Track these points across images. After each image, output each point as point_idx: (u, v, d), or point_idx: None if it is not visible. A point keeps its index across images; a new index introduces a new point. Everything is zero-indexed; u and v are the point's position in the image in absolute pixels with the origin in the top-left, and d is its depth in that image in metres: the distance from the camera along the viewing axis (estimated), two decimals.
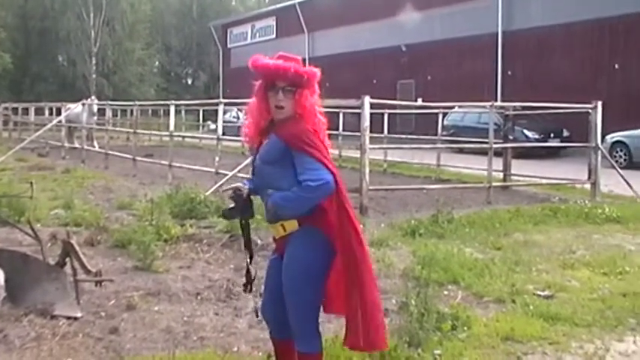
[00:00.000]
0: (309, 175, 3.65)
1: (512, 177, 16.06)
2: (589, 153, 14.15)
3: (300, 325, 3.85)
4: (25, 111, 31.94)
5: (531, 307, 6.22)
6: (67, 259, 6.21)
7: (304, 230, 3.79)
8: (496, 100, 26.58)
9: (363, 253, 3.81)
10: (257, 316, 4.29)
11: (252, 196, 3.98)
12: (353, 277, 3.79)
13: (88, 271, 6.06)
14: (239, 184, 4.04)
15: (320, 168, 3.68)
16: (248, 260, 4.07)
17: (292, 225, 3.80)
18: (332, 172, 3.72)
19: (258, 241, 8.17)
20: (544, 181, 15.63)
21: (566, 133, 24.85)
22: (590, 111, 14.05)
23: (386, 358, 4.94)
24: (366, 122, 11.64)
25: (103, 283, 6.27)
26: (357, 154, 11.84)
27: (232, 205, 3.98)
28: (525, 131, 24.23)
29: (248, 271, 4.07)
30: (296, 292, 3.81)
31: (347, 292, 3.82)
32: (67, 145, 24.35)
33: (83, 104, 25.89)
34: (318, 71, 3.80)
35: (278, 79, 3.75)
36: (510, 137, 16.37)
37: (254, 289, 4.16)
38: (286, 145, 3.71)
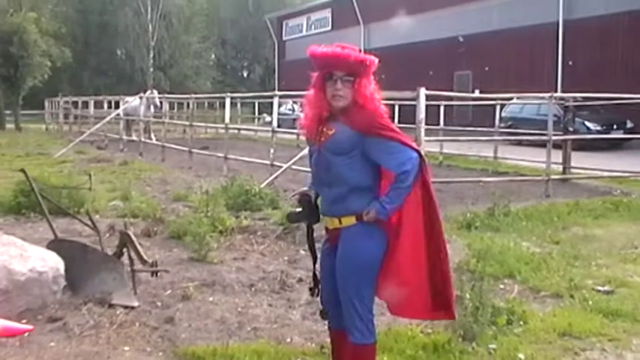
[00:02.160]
0: (399, 159, 3.66)
1: (572, 170, 15.75)
2: None
3: (354, 317, 3.83)
4: (85, 104, 32.51)
5: (590, 303, 6.09)
6: (125, 250, 6.32)
7: (361, 225, 3.76)
8: (556, 91, 26.09)
9: (441, 227, 3.92)
10: (323, 318, 4.25)
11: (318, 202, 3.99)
12: (437, 249, 3.88)
13: (144, 262, 6.15)
14: (305, 189, 4.06)
15: (403, 149, 3.68)
16: (314, 263, 4.10)
17: (349, 220, 3.79)
18: (414, 148, 3.72)
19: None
20: (605, 173, 15.27)
21: (629, 125, 24.23)
22: None
23: (440, 351, 4.91)
24: (421, 114, 11.52)
25: (159, 274, 6.36)
26: None
27: (299, 209, 4.00)
28: (586, 123, 23.67)
29: (315, 276, 4.10)
30: (351, 287, 3.80)
31: (430, 265, 3.85)
32: (125, 137, 24.74)
33: (141, 97, 26.25)
34: (375, 59, 3.76)
35: (336, 69, 3.71)
36: (570, 129, 16.02)
37: (319, 292, 4.15)
38: (360, 134, 3.68)
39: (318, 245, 4.11)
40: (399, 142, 3.68)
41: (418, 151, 3.73)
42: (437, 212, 3.86)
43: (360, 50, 3.79)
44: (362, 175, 3.74)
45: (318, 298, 4.15)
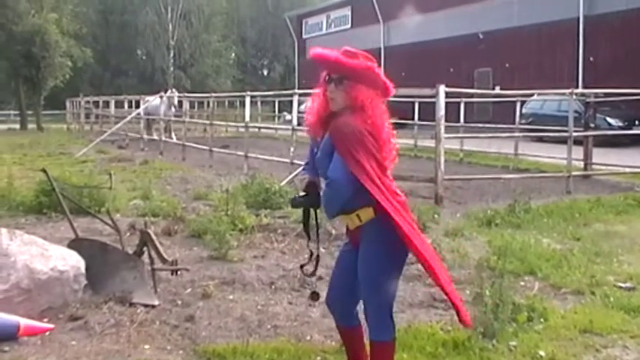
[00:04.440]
0: (328, 172, 3.68)
1: (594, 166, 15.63)
2: None
3: (375, 314, 3.84)
4: (106, 104, 32.75)
5: (612, 299, 6.05)
6: (145, 249, 6.34)
7: (380, 220, 3.72)
8: (577, 88, 25.91)
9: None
10: (315, 299, 4.30)
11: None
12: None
13: (164, 261, 6.17)
14: (309, 177, 4.05)
15: (336, 168, 3.63)
16: (309, 243, 4.12)
17: (368, 213, 3.76)
18: (351, 179, 3.62)
19: (333, 231, 8.20)
20: (627, 169, 15.14)
21: None
22: None
23: (460, 348, 4.89)
24: (441, 111, 11.50)
25: (179, 272, 6.38)
26: (433, 143, 11.72)
27: (303, 193, 4.01)
28: (608, 119, 23.53)
29: (311, 255, 4.13)
30: (374, 284, 3.80)
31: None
32: (145, 137, 24.86)
33: (161, 97, 26.37)
34: (370, 64, 3.74)
35: (330, 71, 3.79)
36: (592, 125, 15.90)
37: (317, 273, 4.21)
38: (331, 139, 3.72)
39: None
40: (339, 160, 3.63)
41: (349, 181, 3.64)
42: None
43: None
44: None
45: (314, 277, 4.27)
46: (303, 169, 4.11)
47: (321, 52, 3.80)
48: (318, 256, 4.14)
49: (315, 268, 4.15)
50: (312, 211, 4.07)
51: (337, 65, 3.74)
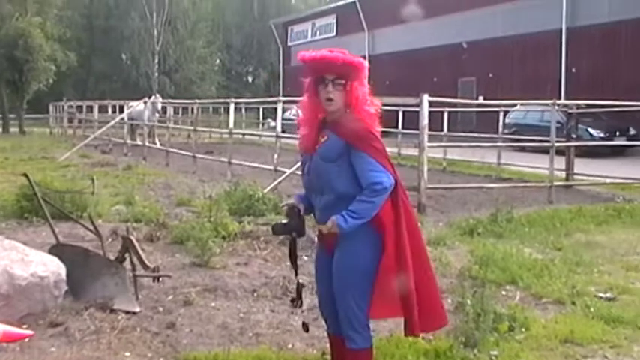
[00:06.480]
0: (371, 179, 3.66)
1: (575, 176, 15.72)
2: None
3: (351, 322, 3.86)
4: (90, 109, 32.52)
5: (592, 309, 6.08)
6: (127, 255, 6.31)
7: (356, 231, 3.75)
8: (559, 98, 26.09)
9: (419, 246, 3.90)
10: (306, 330, 4.33)
11: (304, 215, 4.01)
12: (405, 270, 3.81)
13: (146, 267, 6.14)
14: (294, 202, 4.05)
15: (381, 170, 3.68)
16: (295, 275, 4.11)
17: None
18: (391, 173, 3.73)
19: (315, 238, 8.19)
20: (608, 180, 15.25)
21: (632, 132, 24.23)
22: None
23: (441, 357, 4.90)
24: (424, 120, 11.54)
25: (161, 279, 6.35)
26: (416, 152, 11.75)
27: (285, 221, 4.02)
28: (589, 130, 23.69)
29: (298, 287, 4.11)
30: (346, 290, 3.83)
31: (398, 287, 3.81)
32: (129, 142, 24.76)
33: (145, 102, 26.31)
34: (365, 62, 3.82)
35: (327, 72, 3.77)
36: (573, 136, 16.02)
37: (304, 302, 4.20)
38: (347, 144, 3.72)
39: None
40: (378, 163, 3.70)
41: (395, 178, 3.76)
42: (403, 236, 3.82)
43: (365, 58, 3.85)
44: (349, 184, 3.76)
45: (301, 309, 4.25)
46: (299, 197, 4.08)
47: (315, 53, 3.81)
48: (301, 285, 4.13)
49: (301, 298, 4.14)
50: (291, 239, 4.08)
51: (343, 64, 3.76)
